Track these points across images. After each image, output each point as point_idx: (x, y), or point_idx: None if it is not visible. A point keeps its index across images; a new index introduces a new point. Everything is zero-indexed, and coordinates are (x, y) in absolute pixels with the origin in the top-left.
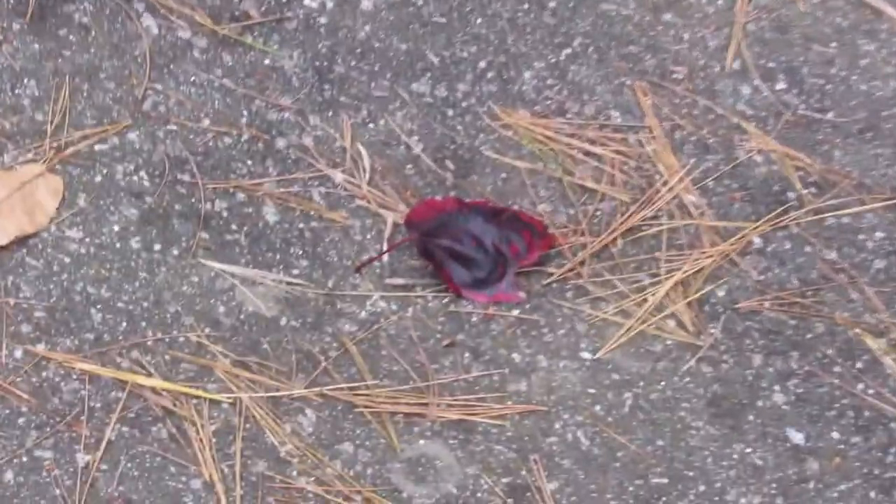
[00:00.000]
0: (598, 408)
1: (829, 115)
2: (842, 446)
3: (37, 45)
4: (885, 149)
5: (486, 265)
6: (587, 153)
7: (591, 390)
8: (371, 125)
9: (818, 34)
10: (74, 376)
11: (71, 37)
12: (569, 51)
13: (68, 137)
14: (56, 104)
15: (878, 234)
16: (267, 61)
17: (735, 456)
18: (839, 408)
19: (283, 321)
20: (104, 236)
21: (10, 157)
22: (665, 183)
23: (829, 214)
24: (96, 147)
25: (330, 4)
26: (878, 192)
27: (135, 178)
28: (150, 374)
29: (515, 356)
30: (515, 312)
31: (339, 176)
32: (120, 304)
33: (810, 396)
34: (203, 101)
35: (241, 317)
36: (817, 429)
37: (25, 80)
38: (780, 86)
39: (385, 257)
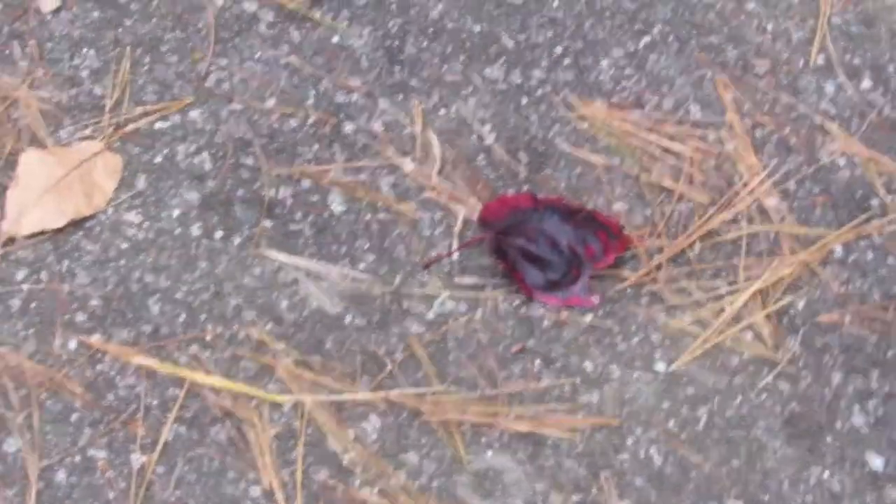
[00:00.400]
0: (671, 423)
1: None
2: None
3: (97, 13)
4: None
5: (560, 267)
6: (665, 150)
7: (665, 404)
8: (442, 111)
9: None
10: (130, 371)
11: (132, 5)
12: (648, 39)
13: (128, 114)
14: (116, 77)
15: None
16: (336, 39)
17: (812, 480)
18: None
19: (348, 319)
20: (163, 221)
21: (67, 132)
22: (745, 184)
23: None
24: (156, 125)
25: None
26: None
27: (196, 159)
28: (209, 372)
29: (587, 365)
30: (588, 318)
31: (408, 165)
32: (178, 295)
33: (891, 419)
34: (269, 79)
35: (305, 313)
36: None
37: (84, 50)
38: (866, 84)
39: (455, 255)
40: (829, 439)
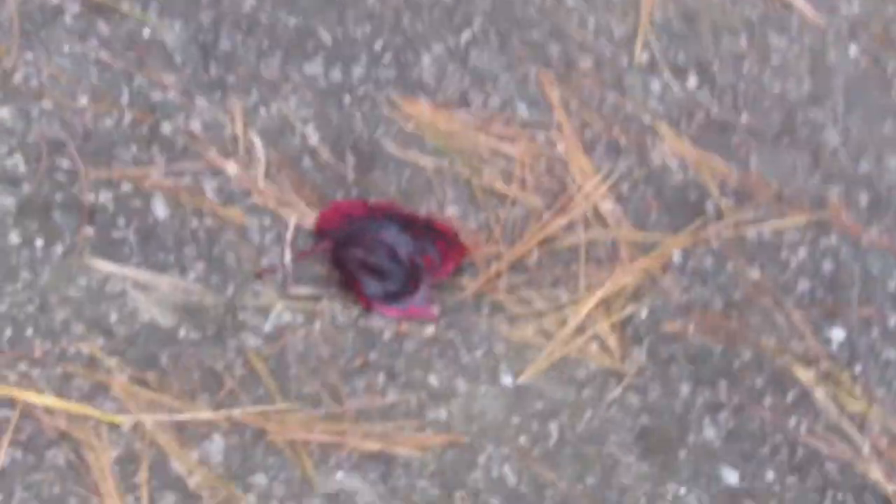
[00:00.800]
0: (522, 439)
1: (744, 118)
2: (778, 487)
3: None
4: (802, 157)
5: (399, 278)
6: (495, 151)
7: (515, 419)
8: (263, 111)
9: (727, 25)
10: None
11: None
12: (468, 34)
13: None
14: None
15: (801, 252)
16: (146, 32)
17: (669, 496)
18: (772, 444)
19: (182, 333)
20: None
21: None
22: (579, 188)
23: (750, 228)
24: None
25: None
26: (797, 206)
27: (8, 162)
28: (40, 391)
29: (433, 379)
30: (430, 330)
31: (232, 168)
32: (2, 308)
33: (742, 431)
34: (79, 75)
35: (136, 326)
36: (751, 467)
37: None
38: (692, 83)
39: (289, 266)
40: (682, 454)
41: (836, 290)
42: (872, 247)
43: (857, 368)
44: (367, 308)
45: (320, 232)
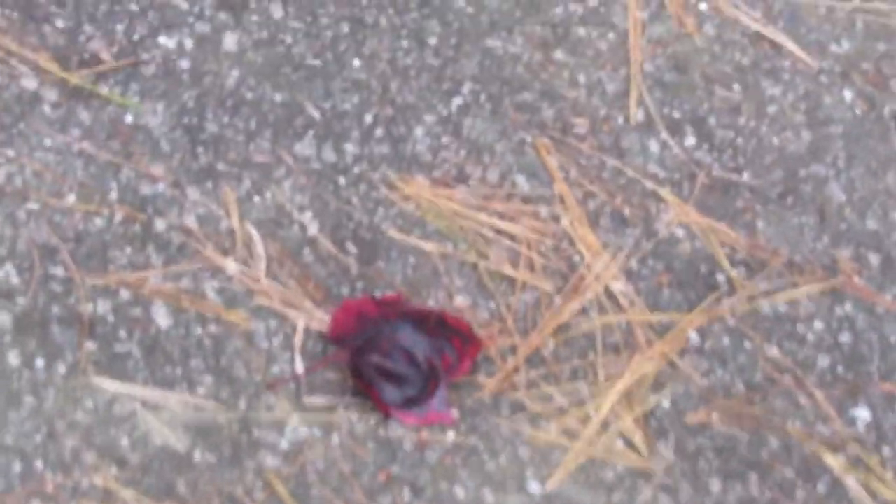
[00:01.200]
0: None
1: (746, 177)
2: None
3: None
4: (808, 216)
5: (417, 382)
6: (499, 231)
7: None
8: (257, 199)
9: (719, 74)
10: None
11: None
12: (459, 100)
13: None
14: None
15: (818, 325)
16: (129, 118)
17: None
18: None
19: (198, 456)
20: None
21: None
22: (589, 267)
23: (764, 301)
24: None
25: (189, 44)
26: (809, 272)
27: (0, 272)
28: None
29: (458, 491)
30: (451, 436)
31: (231, 266)
32: (8, 440)
33: None
34: (63, 170)
35: (150, 451)
36: None
37: None
38: (690, 141)
39: (299, 369)
40: None
41: (856, 364)
42: (888, 314)
43: (886, 451)
44: (386, 415)
45: (334, 338)
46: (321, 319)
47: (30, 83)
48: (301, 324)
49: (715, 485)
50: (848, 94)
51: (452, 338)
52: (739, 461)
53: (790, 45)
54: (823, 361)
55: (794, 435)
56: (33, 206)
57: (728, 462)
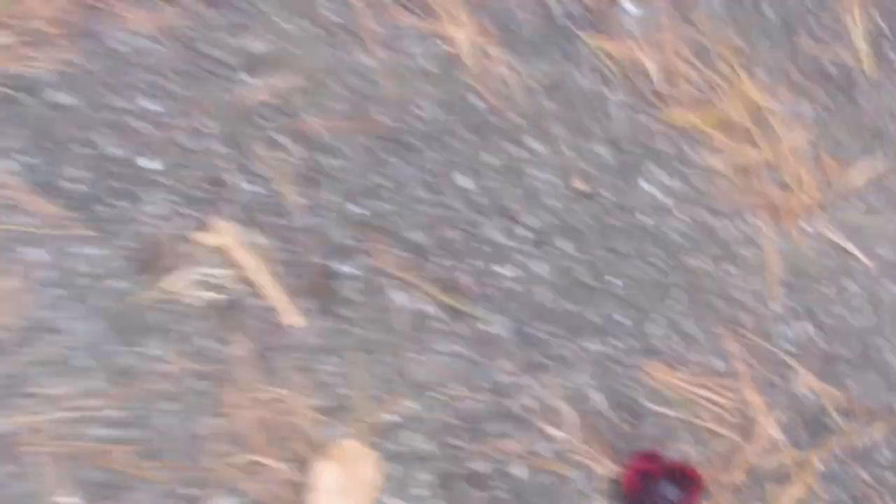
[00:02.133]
0: None
1: (842, 350)
2: None
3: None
4: (877, 377)
5: None
6: (708, 399)
7: None
8: (563, 381)
9: (819, 273)
10: None
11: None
12: (680, 307)
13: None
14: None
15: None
16: (486, 328)
17: None
18: None
19: None
20: None
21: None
22: (756, 422)
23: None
24: (387, 417)
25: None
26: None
27: (425, 446)
28: None
29: None
30: None
31: (558, 434)
32: None
33: None
34: (451, 370)
35: None
36: None
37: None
38: (809, 326)
39: None
40: None
41: None
42: None
43: None
44: None
45: (629, 495)
46: (609, 467)
47: (428, 307)
48: (600, 470)
49: None
50: (892, 287)
51: (689, 486)
52: None
53: (854, 250)
54: (892, 479)
55: None
56: (436, 395)
57: None
